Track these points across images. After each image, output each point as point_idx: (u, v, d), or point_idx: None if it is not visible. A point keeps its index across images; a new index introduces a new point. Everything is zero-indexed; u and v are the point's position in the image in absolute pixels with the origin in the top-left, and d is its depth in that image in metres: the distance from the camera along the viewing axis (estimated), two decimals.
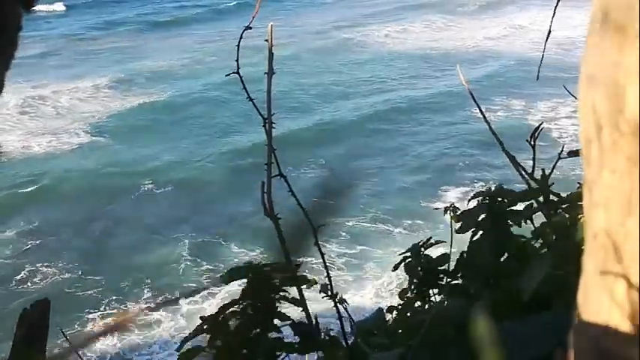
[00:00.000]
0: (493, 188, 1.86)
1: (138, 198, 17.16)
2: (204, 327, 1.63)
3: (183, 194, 17.17)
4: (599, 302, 0.57)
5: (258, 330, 1.61)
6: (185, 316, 12.29)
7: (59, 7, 42.38)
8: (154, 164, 18.87)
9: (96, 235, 15.60)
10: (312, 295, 1.87)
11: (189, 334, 1.66)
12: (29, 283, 13.68)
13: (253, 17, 1.93)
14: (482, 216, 1.81)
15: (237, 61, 2.00)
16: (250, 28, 1.99)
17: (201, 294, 12.94)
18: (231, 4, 39.07)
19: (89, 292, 13.37)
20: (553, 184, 1.89)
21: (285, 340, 1.70)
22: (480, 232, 1.80)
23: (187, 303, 12.79)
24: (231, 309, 1.62)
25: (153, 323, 12.26)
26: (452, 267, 2.08)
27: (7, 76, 0.62)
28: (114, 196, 17.13)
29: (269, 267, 1.65)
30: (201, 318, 1.65)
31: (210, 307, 12.00)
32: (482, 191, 1.84)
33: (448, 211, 2.70)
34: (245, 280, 1.64)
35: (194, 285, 13.32)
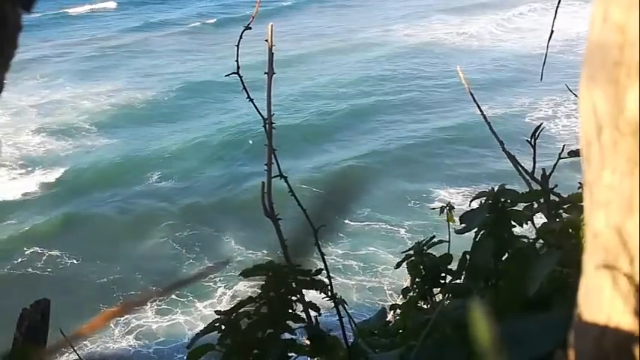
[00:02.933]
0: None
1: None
2: (216, 324, 1.63)
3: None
4: (599, 302, 0.57)
5: (271, 330, 1.61)
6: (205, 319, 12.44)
7: (110, 4, 41.84)
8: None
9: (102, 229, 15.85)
10: (311, 295, 1.87)
11: (201, 330, 1.66)
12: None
13: (253, 17, 1.93)
14: (485, 216, 1.81)
15: (237, 61, 2.00)
16: (250, 28, 1.98)
17: (218, 297, 13.09)
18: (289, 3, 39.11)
19: (97, 282, 13.68)
20: (557, 185, 1.90)
21: (296, 342, 1.71)
22: (482, 232, 1.80)
23: (204, 307, 12.92)
24: (245, 307, 1.62)
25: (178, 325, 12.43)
26: (453, 267, 2.09)
27: (6, 77, 0.62)
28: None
29: (288, 268, 1.65)
30: (217, 312, 1.66)
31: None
32: (485, 191, 1.84)
33: (445, 211, 2.70)
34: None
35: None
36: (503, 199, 1.78)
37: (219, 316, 1.64)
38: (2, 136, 21.50)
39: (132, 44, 32.46)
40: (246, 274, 1.65)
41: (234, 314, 1.61)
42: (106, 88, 25.70)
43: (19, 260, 14.69)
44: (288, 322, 1.63)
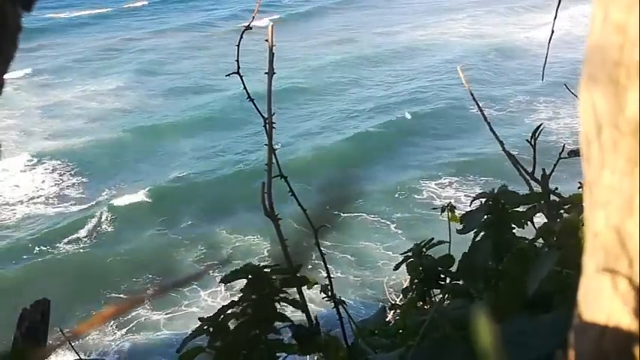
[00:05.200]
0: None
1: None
2: (204, 327, 1.63)
3: None
4: (599, 302, 0.57)
5: (257, 331, 1.61)
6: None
7: (140, 2, 40.83)
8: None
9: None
10: (313, 295, 1.87)
11: (189, 334, 1.66)
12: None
13: (253, 17, 1.93)
14: (485, 217, 1.81)
15: (237, 61, 2.00)
16: (250, 28, 1.98)
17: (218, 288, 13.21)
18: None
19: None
20: (557, 188, 1.90)
21: (283, 341, 1.70)
22: (482, 233, 1.80)
23: (207, 295, 13.14)
24: (231, 310, 1.62)
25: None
26: (454, 268, 2.08)
27: (5, 76, 0.62)
28: None
29: (269, 269, 1.65)
30: (200, 319, 1.65)
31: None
32: (485, 192, 1.84)
33: (446, 210, 2.70)
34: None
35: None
36: (503, 201, 1.78)
37: (205, 320, 1.64)
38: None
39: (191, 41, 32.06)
40: (226, 280, 1.65)
41: (221, 317, 1.61)
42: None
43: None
44: (274, 322, 1.63)
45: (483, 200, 1.82)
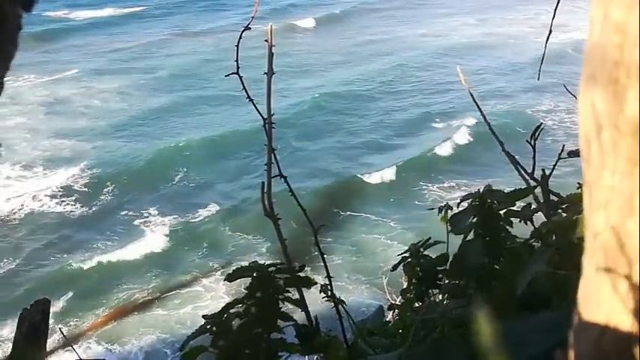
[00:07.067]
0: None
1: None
2: (208, 326, 1.63)
3: None
4: (599, 302, 0.57)
5: (260, 330, 1.61)
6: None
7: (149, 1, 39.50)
8: None
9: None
10: (312, 295, 1.87)
11: (193, 333, 1.66)
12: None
13: (253, 17, 1.93)
14: (475, 218, 1.81)
15: (236, 61, 2.00)
16: (249, 28, 1.98)
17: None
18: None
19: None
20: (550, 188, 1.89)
21: (286, 341, 1.70)
22: (472, 233, 1.80)
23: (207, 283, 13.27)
24: (234, 308, 1.62)
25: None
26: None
27: (5, 76, 0.62)
28: None
29: (274, 267, 1.65)
30: (204, 317, 1.65)
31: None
32: (472, 193, 1.84)
33: (442, 211, 2.69)
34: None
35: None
36: (489, 200, 1.78)
37: (208, 318, 1.64)
38: None
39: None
40: (231, 277, 1.65)
41: (224, 315, 1.61)
42: None
43: None
44: (277, 321, 1.63)
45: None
